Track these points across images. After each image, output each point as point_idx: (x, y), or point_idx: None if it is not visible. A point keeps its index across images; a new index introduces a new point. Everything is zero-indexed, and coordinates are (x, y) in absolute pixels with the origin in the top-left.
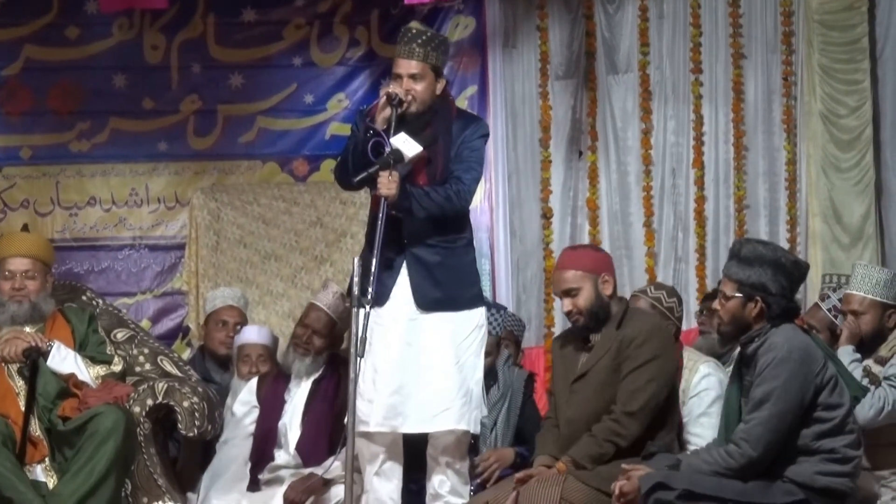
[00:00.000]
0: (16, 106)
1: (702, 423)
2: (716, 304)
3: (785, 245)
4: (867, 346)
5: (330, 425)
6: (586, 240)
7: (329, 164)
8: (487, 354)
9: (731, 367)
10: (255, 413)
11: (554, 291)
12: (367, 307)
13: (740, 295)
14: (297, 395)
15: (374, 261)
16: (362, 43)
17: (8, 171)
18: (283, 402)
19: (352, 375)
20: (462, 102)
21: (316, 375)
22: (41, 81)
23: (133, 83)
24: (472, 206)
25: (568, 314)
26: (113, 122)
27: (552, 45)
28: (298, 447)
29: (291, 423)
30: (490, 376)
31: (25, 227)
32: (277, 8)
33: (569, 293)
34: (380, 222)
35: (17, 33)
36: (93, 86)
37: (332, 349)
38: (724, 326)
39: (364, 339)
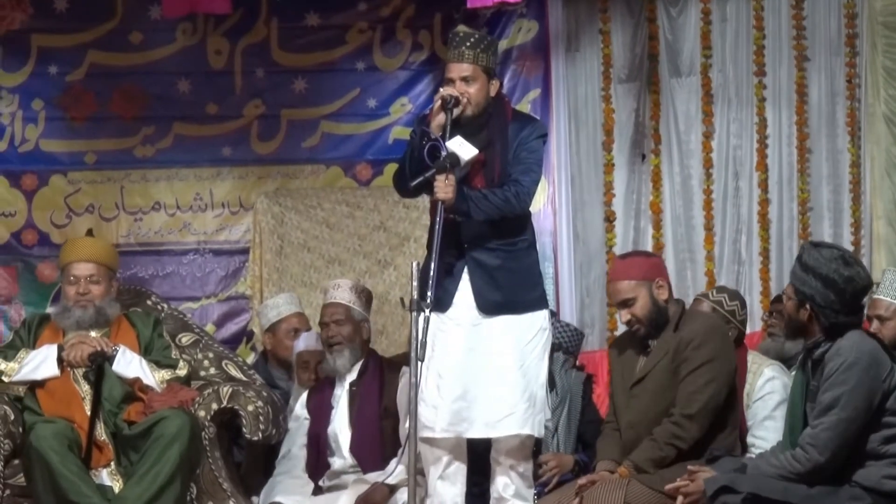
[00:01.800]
0: (80, 111)
1: (766, 427)
2: (784, 297)
3: (849, 248)
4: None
5: (378, 425)
6: (650, 243)
7: (392, 169)
8: None
9: (794, 372)
10: (307, 425)
11: (610, 302)
12: (427, 311)
13: (794, 299)
14: (342, 400)
15: (432, 265)
16: (425, 47)
17: (73, 176)
18: (330, 409)
19: (413, 381)
20: (525, 106)
21: (354, 377)
22: (105, 86)
23: (197, 88)
24: (534, 210)
25: (628, 324)
26: (177, 127)
27: (615, 49)
28: (352, 450)
29: (340, 427)
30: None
31: (90, 232)
32: (340, 12)
33: (626, 303)
34: (437, 227)
35: (81, 39)
36: (157, 91)
37: (362, 339)
38: (786, 322)
39: (424, 344)
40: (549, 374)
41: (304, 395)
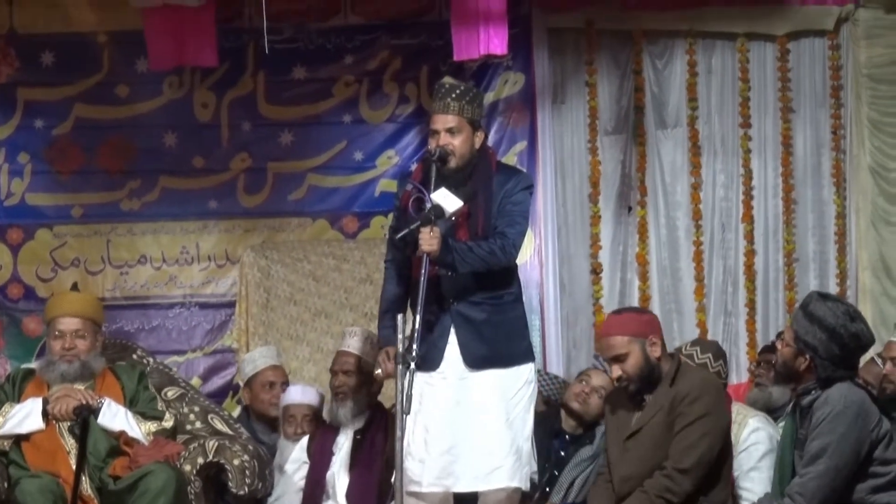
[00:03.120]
0: (66, 165)
1: (752, 478)
2: (777, 344)
3: None
4: None
5: (378, 475)
6: (636, 295)
7: (379, 221)
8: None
9: (783, 422)
10: (305, 468)
11: (602, 357)
12: (412, 364)
13: (793, 346)
14: (345, 446)
15: (417, 318)
16: (412, 100)
17: (59, 230)
18: (331, 454)
19: (398, 434)
20: (511, 158)
21: (360, 425)
22: (91, 140)
23: (183, 141)
24: (521, 262)
25: (618, 380)
26: (163, 180)
27: (601, 101)
28: (348, 497)
29: (339, 473)
30: (588, 437)
31: (75, 286)
32: (327, 65)
33: (617, 359)
34: (422, 280)
35: (68, 92)
36: (143, 144)
37: (370, 391)
38: (778, 367)
39: (410, 397)
40: (590, 431)
41: (306, 440)
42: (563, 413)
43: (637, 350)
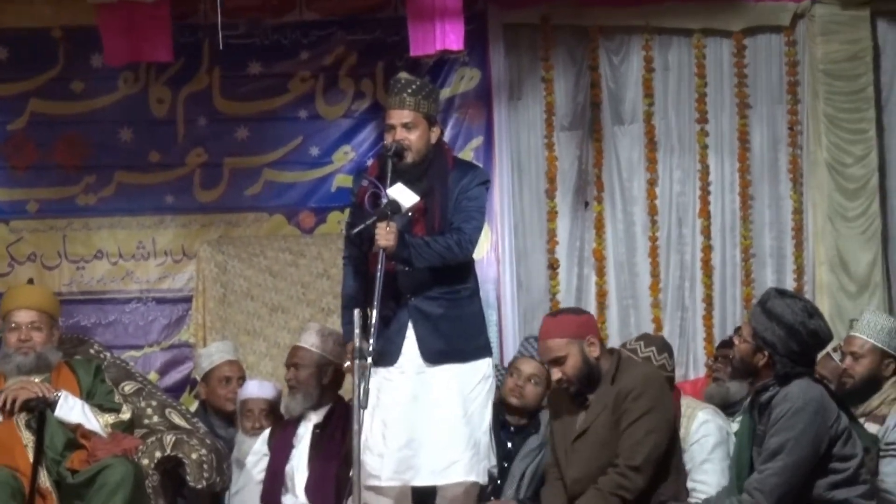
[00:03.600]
0: (22, 160)
1: (705, 470)
2: (735, 339)
3: None
4: (860, 391)
5: (336, 469)
6: (593, 290)
7: (335, 217)
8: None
9: (740, 416)
10: (265, 461)
11: (541, 360)
12: (368, 359)
13: (751, 342)
14: (304, 439)
15: (374, 313)
16: (367, 95)
17: (15, 225)
18: (291, 447)
19: (355, 428)
20: (468, 154)
21: (320, 419)
22: (47, 135)
23: (139, 136)
24: (478, 257)
25: (558, 382)
26: (119, 175)
27: (557, 97)
28: (307, 490)
29: (298, 466)
30: (532, 426)
31: (31, 281)
32: (283, 61)
33: (556, 362)
34: (379, 276)
35: (23, 87)
36: (99, 139)
37: (322, 384)
38: (735, 363)
39: (367, 391)
40: (534, 418)
41: (267, 432)
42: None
43: (575, 351)
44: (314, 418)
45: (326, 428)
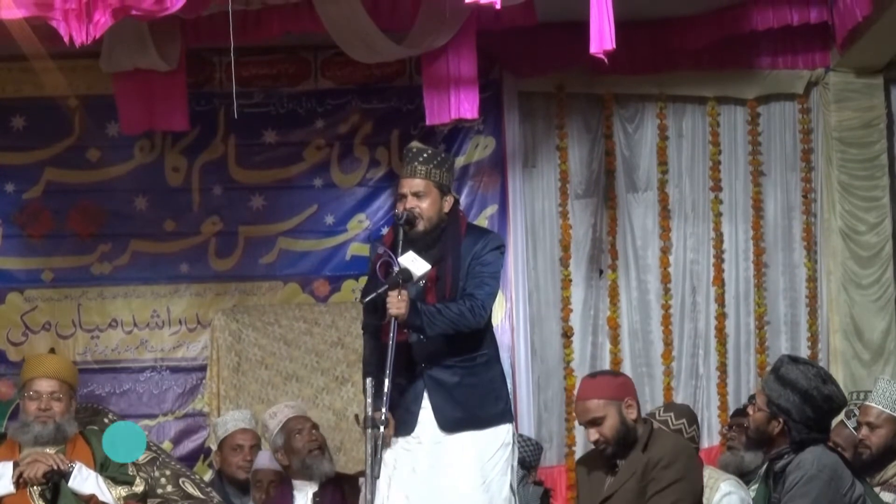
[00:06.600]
0: (37, 229)
1: None
2: (749, 409)
3: None
4: (876, 461)
5: None
6: (607, 358)
7: (350, 285)
8: None
9: (755, 485)
10: None
11: (578, 422)
12: (381, 428)
13: (766, 410)
14: None
15: (386, 382)
16: (382, 163)
17: (29, 294)
18: None
19: (368, 497)
20: (482, 221)
21: (315, 489)
22: (62, 204)
23: (154, 205)
24: (495, 323)
25: (595, 443)
26: (134, 244)
27: (572, 165)
28: None
29: None
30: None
31: (52, 350)
32: (298, 129)
33: (594, 423)
34: (391, 345)
35: (39, 156)
36: (114, 208)
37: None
38: (750, 432)
39: (379, 461)
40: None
41: None
42: None
43: (613, 412)
44: (310, 489)
45: (323, 495)
